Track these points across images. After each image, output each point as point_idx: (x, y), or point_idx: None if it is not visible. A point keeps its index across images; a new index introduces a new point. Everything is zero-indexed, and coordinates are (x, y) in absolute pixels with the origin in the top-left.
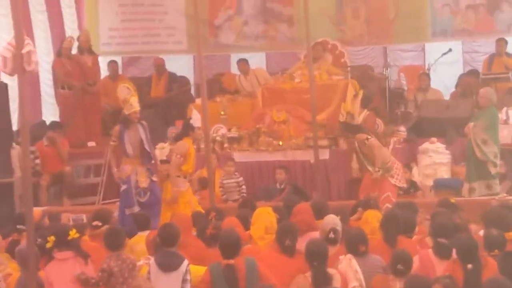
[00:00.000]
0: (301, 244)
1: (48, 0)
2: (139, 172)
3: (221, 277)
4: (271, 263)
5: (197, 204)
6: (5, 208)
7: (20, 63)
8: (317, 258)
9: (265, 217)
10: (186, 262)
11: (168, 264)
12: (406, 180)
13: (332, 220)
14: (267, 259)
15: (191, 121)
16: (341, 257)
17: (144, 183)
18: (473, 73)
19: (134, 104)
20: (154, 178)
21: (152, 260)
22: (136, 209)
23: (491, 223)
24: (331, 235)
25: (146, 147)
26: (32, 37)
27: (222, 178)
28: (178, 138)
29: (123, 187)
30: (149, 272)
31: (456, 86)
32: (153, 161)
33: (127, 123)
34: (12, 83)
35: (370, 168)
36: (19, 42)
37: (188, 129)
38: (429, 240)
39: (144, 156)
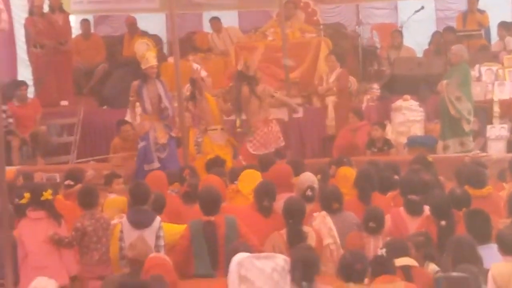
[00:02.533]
0: (277, 204)
1: None
2: (157, 128)
3: (201, 234)
4: (248, 223)
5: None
6: None
7: None
8: (294, 215)
9: (254, 176)
10: (158, 219)
11: (140, 221)
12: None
13: (309, 177)
14: (244, 218)
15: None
16: (315, 214)
17: (163, 138)
18: (449, 30)
19: (150, 59)
20: (173, 134)
21: (124, 218)
22: (156, 165)
23: (464, 180)
24: (308, 192)
25: (165, 102)
26: None
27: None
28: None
29: (142, 143)
30: (121, 231)
31: (430, 43)
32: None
33: (145, 78)
34: None
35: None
36: None
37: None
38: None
39: (162, 111)
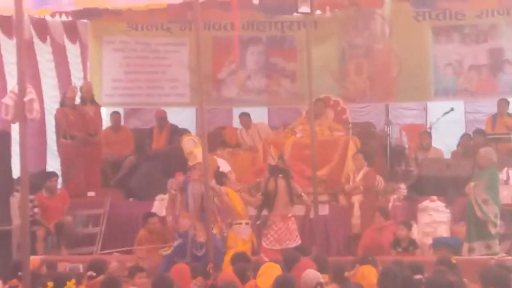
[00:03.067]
0: None
1: (55, 49)
2: (197, 226)
3: None
4: None
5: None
6: (3, 256)
7: (22, 111)
8: None
9: (273, 271)
10: None
11: None
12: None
13: (314, 274)
14: None
15: (220, 169)
16: None
17: (202, 237)
18: (479, 132)
19: (198, 156)
20: (214, 231)
21: None
22: (188, 260)
23: (488, 283)
24: None
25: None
26: (39, 85)
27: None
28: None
29: (179, 240)
30: None
31: (458, 145)
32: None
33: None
34: None
35: None
36: (21, 90)
37: (222, 178)
38: None
39: (204, 210)
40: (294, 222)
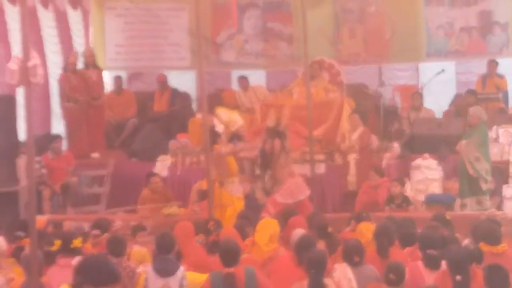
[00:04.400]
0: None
1: (58, 16)
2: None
3: (221, 285)
4: (286, 275)
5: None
6: (11, 216)
7: (26, 75)
8: (316, 267)
9: (270, 226)
10: (182, 268)
11: (165, 270)
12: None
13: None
14: (283, 269)
15: (216, 129)
16: (336, 265)
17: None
18: (471, 92)
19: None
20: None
21: (149, 266)
22: None
23: (479, 237)
24: None
25: None
26: (43, 51)
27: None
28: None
29: None
30: (146, 279)
31: (450, 105)
32: None
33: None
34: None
35: None
36: (25, 55)
37: (214, 137)
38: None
39: None
40: (300, 176)
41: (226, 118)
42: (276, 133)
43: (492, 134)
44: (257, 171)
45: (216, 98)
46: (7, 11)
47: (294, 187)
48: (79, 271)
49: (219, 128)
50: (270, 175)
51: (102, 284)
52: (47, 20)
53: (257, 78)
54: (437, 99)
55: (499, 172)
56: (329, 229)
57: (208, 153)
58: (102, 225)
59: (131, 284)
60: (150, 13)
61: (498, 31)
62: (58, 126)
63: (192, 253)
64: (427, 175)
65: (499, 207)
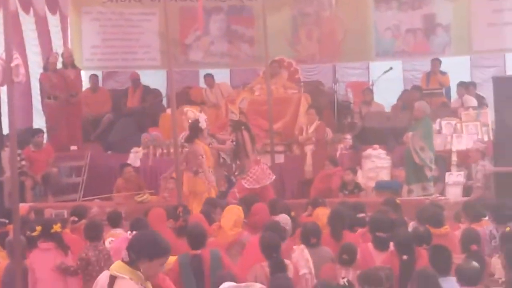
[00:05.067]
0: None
1: (38, 20)
2: None
3: (188, 267)
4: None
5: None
6: None
7: (9, 75)
8: (274, 249)
9: (235, 212)
10: None
11: None
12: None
13: (285, 218)
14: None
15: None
16: (294, 247)
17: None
18: (416, 88)
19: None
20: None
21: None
22: None
23: (424, 220)
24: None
25: None
26: (24, 53)
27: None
28: (189, 140)
29: None
30: None
31: (398, 100)
32: None
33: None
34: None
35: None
36: (8, 56)
37: (197, 131)
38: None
39: None
40: (265, 163)
41: (193, 116)
42: (241, 125)
43: (435, 126)
44: (228, 161)
45: (184, 95)
46: None
47: (259, 173)
48: (133, 248)
49: (203, 124)
50: (238, 164)
51: (156, 256)
52: (28, 24)
53: (222, 76)
54: (386, 95)
55: (442, 160)
56: (292, 214)
57: (177, 145)
58: (80, 212)
59: (106, 266)
60: (123, 17)
61: (441, 32)
62: (39, 121)
63: (164, 236)
64: (377, 164)
65: (442, 192)
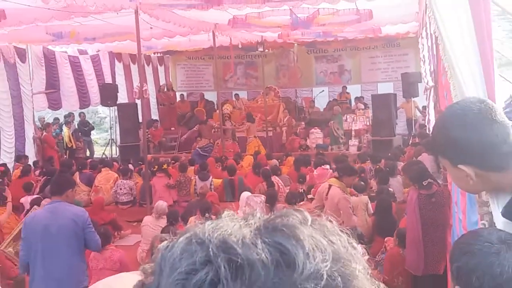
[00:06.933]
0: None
1: (153, 68)
2: None
3: (228, 185)
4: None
5: None
6: None
7: (142, 94)
8: (268, 175)
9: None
10: None
11: None
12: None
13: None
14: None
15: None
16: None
17: None
18: (335, 100)
19: None
20: None
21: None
22: None
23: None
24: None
25: None
26: (147, 83)
27: None
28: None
29: None
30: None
31: (326, 106)
32: None
33: None
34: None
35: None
36: (141, 85)
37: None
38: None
39: None
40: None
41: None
42: (250, 117)
43: (344, 118)
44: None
45: (224, 103)
46: None
47: None
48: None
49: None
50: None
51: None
52: (148, 69)
53: (242, 94)
54: (320, 103)
55: (347, 134)
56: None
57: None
58: (175, 158)
59: (187, 188)
60: (196, 66)
61: (346, 73)
62: (154, 116)
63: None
64: (316, 136)
65: (347, 149)
